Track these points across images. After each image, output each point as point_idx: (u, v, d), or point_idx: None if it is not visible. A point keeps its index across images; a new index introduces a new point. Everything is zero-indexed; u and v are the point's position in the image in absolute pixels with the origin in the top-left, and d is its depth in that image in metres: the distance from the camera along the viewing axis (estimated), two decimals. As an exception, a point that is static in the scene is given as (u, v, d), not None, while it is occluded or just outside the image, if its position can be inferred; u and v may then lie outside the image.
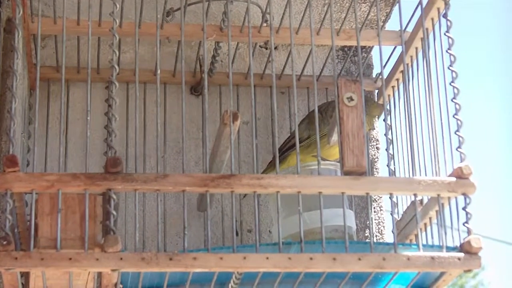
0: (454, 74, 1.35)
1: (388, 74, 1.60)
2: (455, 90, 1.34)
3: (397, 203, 1.50)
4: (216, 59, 1.62)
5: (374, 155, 1.70)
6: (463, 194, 1.28)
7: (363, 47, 1.70)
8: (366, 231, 1.64)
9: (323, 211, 1.26)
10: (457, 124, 1.33)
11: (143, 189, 1.23)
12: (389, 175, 1.47)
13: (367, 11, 1.62)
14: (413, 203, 1.40)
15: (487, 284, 8.91)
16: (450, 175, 1.30)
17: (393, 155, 1.54)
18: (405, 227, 1.45)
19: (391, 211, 1.38)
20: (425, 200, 1.40)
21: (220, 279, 1.31)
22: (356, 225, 1.59)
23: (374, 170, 1.69)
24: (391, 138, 1.56)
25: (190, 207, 1.57)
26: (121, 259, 1.20)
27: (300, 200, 1.26)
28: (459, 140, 1.32)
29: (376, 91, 1.69)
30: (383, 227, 1.67)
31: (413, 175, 1.39)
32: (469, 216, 1.28)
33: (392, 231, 1.35)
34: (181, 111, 1.30)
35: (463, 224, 1.28)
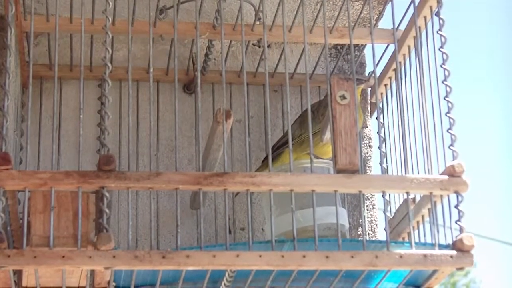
0: (446, 72, 1.36)
1: (381, 72, 1.60)
2: (448, 88, 1.35)
3: (389, 201, 1.50)
4: (209, 57, 1.62)
5: (367, 153, 1.70)
6: (456, 192, 1.29)
7: (356, 45, 1.70)
8: (359, 229, 1.64)
9: (316, 209, 1.26)
10: (450, 122, 1.33)
11: (136, 187, 1.23)
12: (382, 173, 1.47)
13: (360, 9, 1.62)
14: (405, 201, 1.40)
15: (479, 282, 8.93)
16: (442, 173, 1.31)
17: (385, 153, 1.54)
18: (398, 225, 1.46)
19: (384, 209, 1.39)
20: (418, 198, 1.40)
21: (213, 277, 1.32)
22: (349, 223, 1.59)
23: (367, 168, 1.69)
24: (383, 136, 1.57)
25: (183, 205, 1.57)
26: (114, 257, 1.20)
27: (293, 198, 1.26)
28: (452, 138, 1.32)
29: (369, 89, 1.70)
30: (376, 225, 1.67)
31: (405, 173, 1.39)
32: (461, 214, 1.28)
33: (385, 229, 1.36)
34: (174, 109, 1.30)
35: (456, 222, 1.29)
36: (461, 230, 1.28)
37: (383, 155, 1.53)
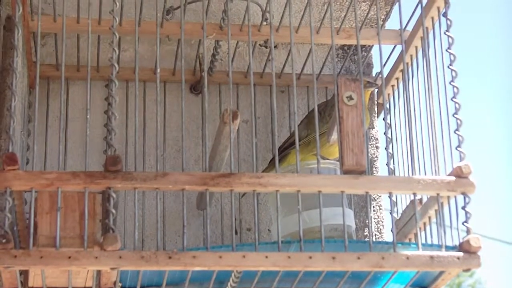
0: (454, 73, 1.35)
1: (388, 73, 1.60)
2: (455, 89, 1.34)
3: (396, 202, 1.50)
4: (216, 58, 1.62)
5: (374, 154, 1.70)
6: (463, 193, 1.28)
7: (363, 46, 1.70)
8: (366, 230, 1.64)
9: (323, 210, 1.26)
10: (457, 123, 1.33)
11: (142, 188, 1.23)
12: (389, 174, 1.46)
13: (367, 10, 1.62)
14: (412, 202, 1.40)
15: (485, 282, 8.92)
16: (449, 174, 1.30)
17: (392, 154, 1.54)
18: (405, 226, 1.45)
19: (391, 210, 1.38)
20: (425, 199, 1.40)
21: (219, 278, 1.32)
22: (356, 224, 1.59)
23: (374, 169, 1.69)
24: (390, 137, 1.56)
25: (190, 206, 1.57)
26: (120, 257, 1.20)
27: (299, 199, 1.26)
28: (459, 139, 1.32)
29: (376, 90, 1.69)
30: (382, 226, 1.67)
31: (412, 174, 1.39)
32: (468, 215, 1.28)
33: (391, 230, 1.35)
34: (180, 109, 1.30)
35: (463, 224, 1.28)
36: (468, 231, 1.28)
37: (390, 156, 1.53)
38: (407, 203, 1.48)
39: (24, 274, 1.30)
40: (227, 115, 1.30)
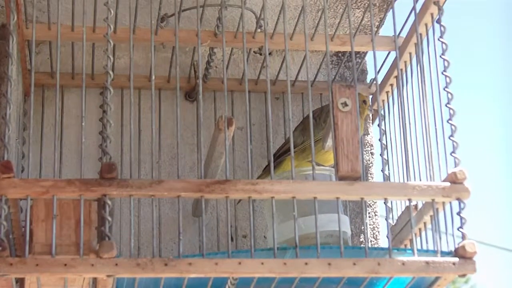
0: (448, 79, 1.36)
1: (382, 79, 1.61)
2: (449, 95, 1.35)
3: (391, 208, 1.50)
4: (210, 65, 1.62)
5: (369, 160, 1.70)
6: (458, 199, 1.29)
7: (357, 53, 1.71)
8: (361, 236, 1.64)
9: (318, 216, 1.26)
10: (451, 129, 1.33)
11: (138, 195, 1.23)
12: (384, 180, 1.47)
13: (361, 17, 1.63)
14: (407, 208, 1.40)
15: (480, 288, 8.91)
16: (444, 180, 1.31)
17: (387, 160, 1.54)
18: (400, 232, 1.46)
19: (386, 216, 1.38)
20: (420, 205, 1.40)
21: (215, 284, 1.32)
22: (351, 230, 1.59)
23: (369, 175, 1.69)
24: (385, 143, 1.56)
25: (185, 213, 1.57)
26: (116, 264, 1.19)
27: (295, 206, 1.26)
28: (453, 145, 1.32)
29: (371, 96, 1.70)
30: (378, 232, 1.67)
31: (407, 180, 1.39)
32: (463, 221, 1.28)
33: (387, 236, 1.36)
34: (175, 116, 1.30)
35: (458, 229, 1.29)
36: (463, 237, 1.28)
37: (385, 162, 1.53)
38: (403, 209, 1.48)
39: (20, 282, 1.30)
40: (222, 122, 1.30)
